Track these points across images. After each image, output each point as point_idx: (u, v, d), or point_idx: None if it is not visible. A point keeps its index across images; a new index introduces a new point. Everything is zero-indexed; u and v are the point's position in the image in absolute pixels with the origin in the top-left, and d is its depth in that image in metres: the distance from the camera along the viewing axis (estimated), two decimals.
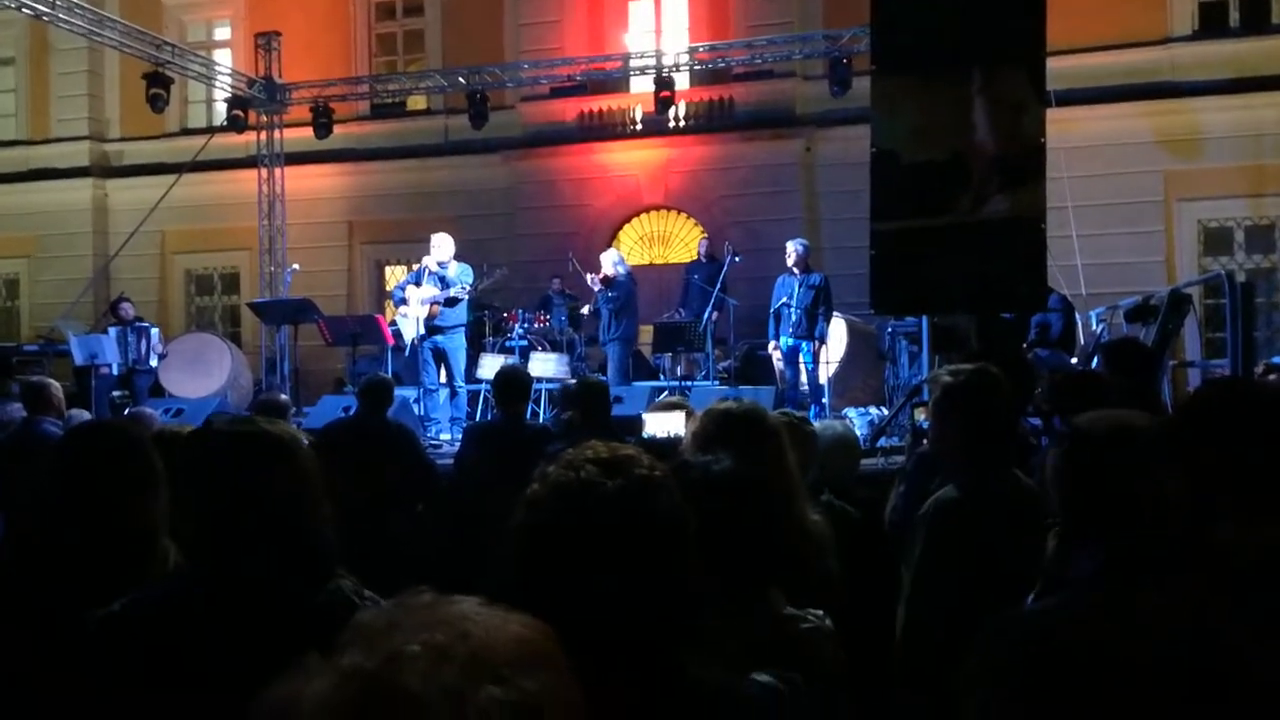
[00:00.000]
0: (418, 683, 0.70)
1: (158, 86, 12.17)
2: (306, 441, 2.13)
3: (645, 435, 5.67)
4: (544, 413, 9.99)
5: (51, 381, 5.94)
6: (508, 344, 11.11)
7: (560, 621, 1.13)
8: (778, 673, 1.28)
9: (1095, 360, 7.33)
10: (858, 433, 5.89)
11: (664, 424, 3.71)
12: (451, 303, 9.21)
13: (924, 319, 6.57)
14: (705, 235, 13.47)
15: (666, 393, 10.10)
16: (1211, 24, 13.49)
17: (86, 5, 11.90)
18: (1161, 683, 1.21)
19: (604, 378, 8.00)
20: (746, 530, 1.53)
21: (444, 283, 9.22)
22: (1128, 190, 13.17)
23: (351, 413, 6.73)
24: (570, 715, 0.76)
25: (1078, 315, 8.94)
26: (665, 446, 3.67)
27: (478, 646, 0.74)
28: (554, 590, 1.13)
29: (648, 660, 1.16)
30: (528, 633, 0.78)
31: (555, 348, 11.20)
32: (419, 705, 0.69)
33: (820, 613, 1.82)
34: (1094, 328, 9.19)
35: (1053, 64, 6.06)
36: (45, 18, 11.51)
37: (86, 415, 7.83)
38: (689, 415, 2.56)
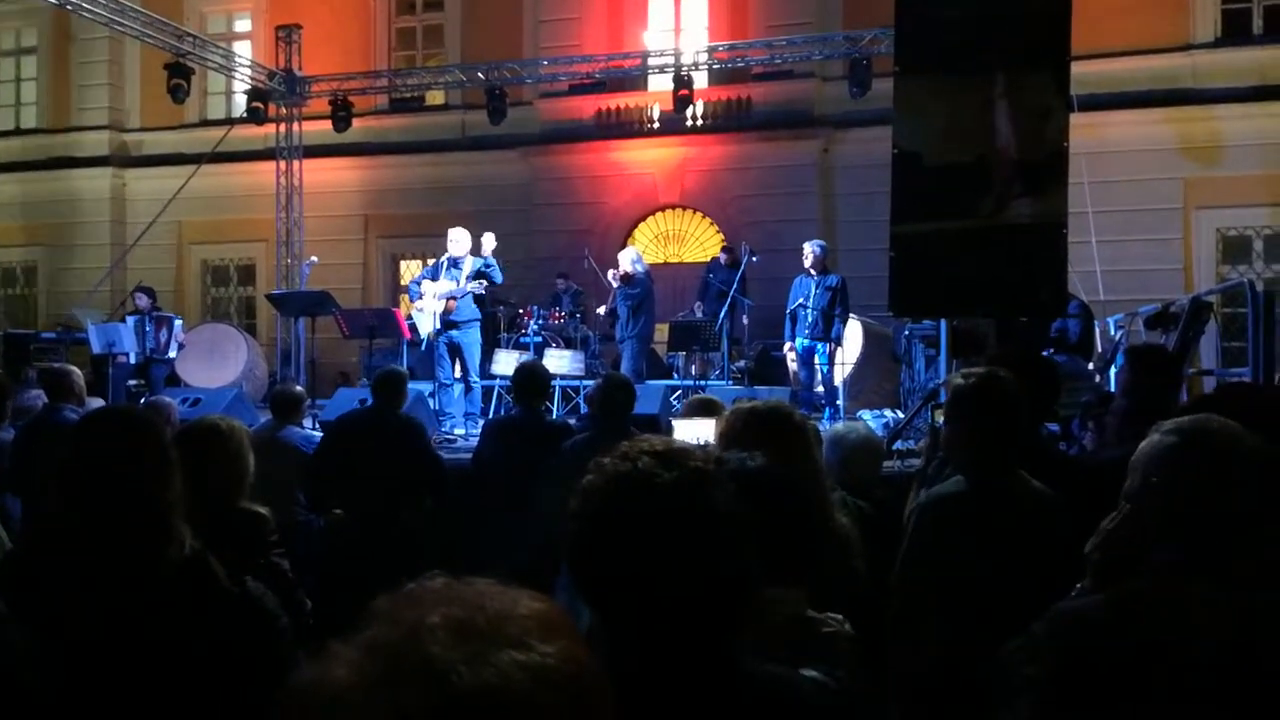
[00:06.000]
0: (440, 650, 0.72)
1: (179, 77, 12.24)
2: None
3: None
4: (557, 409, 9.99)
5: (73, 369, 5.93)
6: (522, 340, 11.12)
7: (617, 611, 1.15)
8: (825, 669, 1.27)
9: (1116, 365, 7.29)
10: None
11: (692, 431, 3.65)
12: (478, 300, 9.23)
13: (943, 322, 6.53)
14: (725, 245, 13.38)
15: (681, 392, 10.11)
16: (1234, 31, 13.42)
17: None
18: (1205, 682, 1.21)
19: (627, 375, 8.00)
20: (777, 529, 1.52)
21: (479, 276, 9.21)
22: (1147, 197, 13.12)
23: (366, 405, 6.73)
24: (589, 681, 0.78)
25: (1095, 321, 8.89)
26: None
27: (495, 616, 0.77)
28: (610, 580, 1.14)
29: (702, 650, 1.16)
30: (541, 606, 0.81)
31: (569, 344, 11.20)
32: (444, 671, 0.71)
33: (840, 617, 1.80)
34: (1112, 334, 9.14)
35: (1075, 68, 6.00)
36: (68, 6, 11.58)
37: (101, 403, 7.86)
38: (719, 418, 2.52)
